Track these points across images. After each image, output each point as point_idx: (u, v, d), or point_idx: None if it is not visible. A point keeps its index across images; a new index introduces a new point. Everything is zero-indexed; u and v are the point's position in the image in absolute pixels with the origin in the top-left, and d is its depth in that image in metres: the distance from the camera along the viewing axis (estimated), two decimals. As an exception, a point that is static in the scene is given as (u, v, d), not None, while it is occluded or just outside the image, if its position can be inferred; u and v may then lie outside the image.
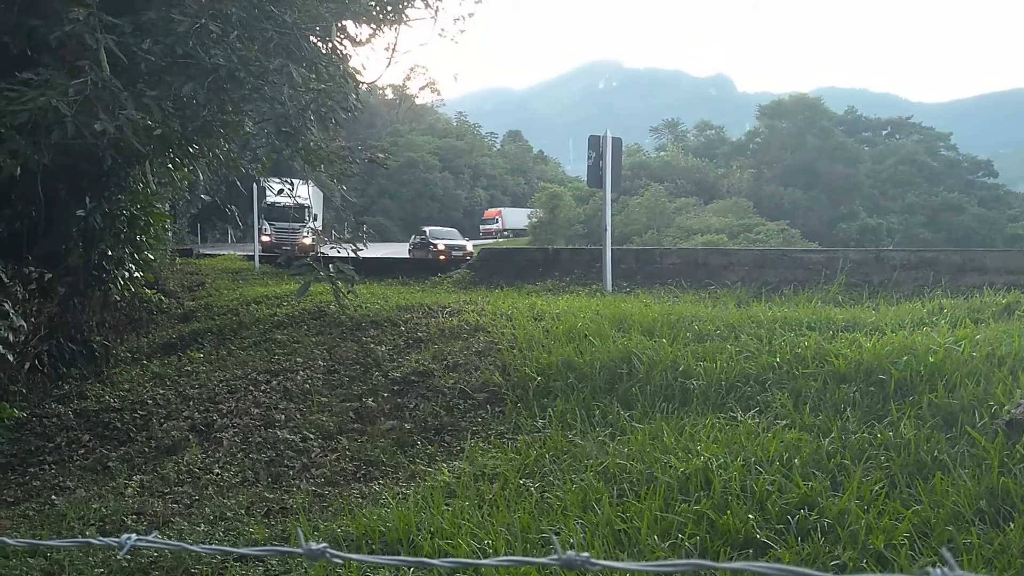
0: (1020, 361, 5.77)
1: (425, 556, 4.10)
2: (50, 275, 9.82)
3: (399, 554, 4.20)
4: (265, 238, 31.05)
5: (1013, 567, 3.45)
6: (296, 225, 32.60)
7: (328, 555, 1.07)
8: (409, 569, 4.01)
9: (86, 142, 7.32)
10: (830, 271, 11.06)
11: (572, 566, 0.95)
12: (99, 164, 8.56)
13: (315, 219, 32.61)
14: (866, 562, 3.61)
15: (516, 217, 75.40)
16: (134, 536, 1.17)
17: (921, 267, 10.63)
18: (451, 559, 1.10)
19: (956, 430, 4.85)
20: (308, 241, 28.82)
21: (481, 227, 71.64)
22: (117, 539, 1.18)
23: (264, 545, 4.86)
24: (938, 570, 0.90)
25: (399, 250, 32.78)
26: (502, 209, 76.57)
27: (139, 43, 7.49)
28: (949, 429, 4.91)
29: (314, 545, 1.06)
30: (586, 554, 0.94)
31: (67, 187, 10.09)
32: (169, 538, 5.22)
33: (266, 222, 32.09)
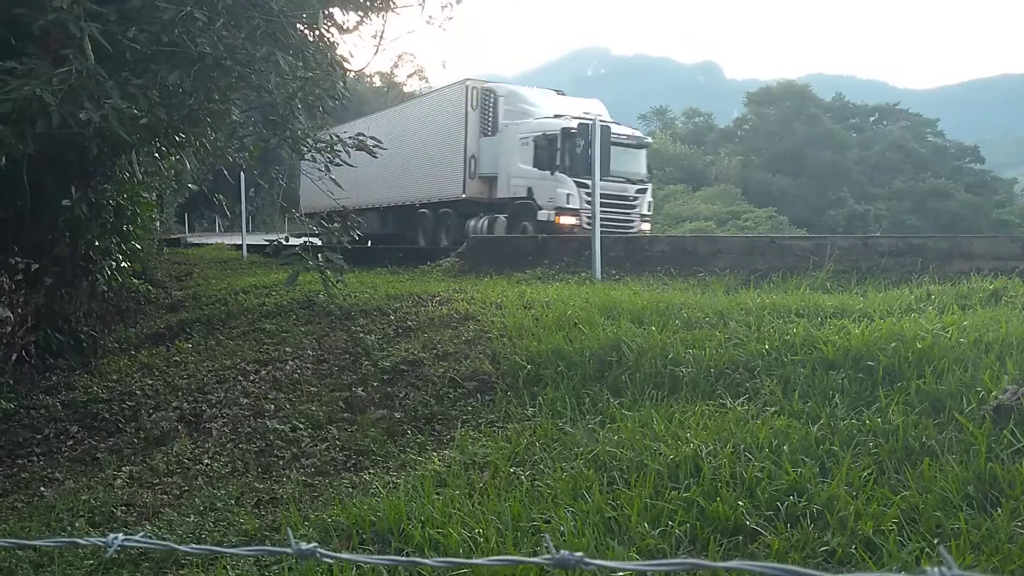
0: (1007, 347, 5.79)
1: (416, 545, 4.10)
2: (37, 265, 9.76)
3: (390, 544, 4.20)
4: (568, 220, 18.71)
5: (1000, 552, 3.47)
6: (633, 191, 19.87)
7: (318, 555, 1.07)
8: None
9: (71, 131, 7.25)
10: (818, 258, 11.07)
11: (566, 566, 0.94)
12: (85, 154, 8.51)
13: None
14: (855, 548, 3.63)
15: None
16: (121, 536, 1.17)
17: (909, 253, 10.64)
18: (443, 559, 1.09)
19: (944, 416, 4.87)
20: (647, 226, 20.06)
21: None
22: (104, 539, 1.17)
23: (254, 535, 4.86)
24: (936, 570, 0.89)
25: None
26: None
27: (124, 31, 7.42)
28: (937, 415, 4.92)
29: (304, 545, 1.06)
30: (580, 553, 0.94)
31: (53, 177, 10.02)
32: (159, 529, 5.22)
33: (569, 181, 18.96)
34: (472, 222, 21.86)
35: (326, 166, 10.07)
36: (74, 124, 7.05)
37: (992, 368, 5.38)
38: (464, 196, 22.29)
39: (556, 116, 20.41)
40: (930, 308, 7.54)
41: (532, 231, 19.47)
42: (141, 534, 1.23)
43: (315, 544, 1.07)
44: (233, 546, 4.71)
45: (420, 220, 25.09)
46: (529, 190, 20.31)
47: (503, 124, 21.52)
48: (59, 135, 7.40)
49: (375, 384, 7.95)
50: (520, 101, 21.71)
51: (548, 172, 19.78)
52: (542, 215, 19.66)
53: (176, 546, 1.19)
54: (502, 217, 21.02)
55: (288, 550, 1.08)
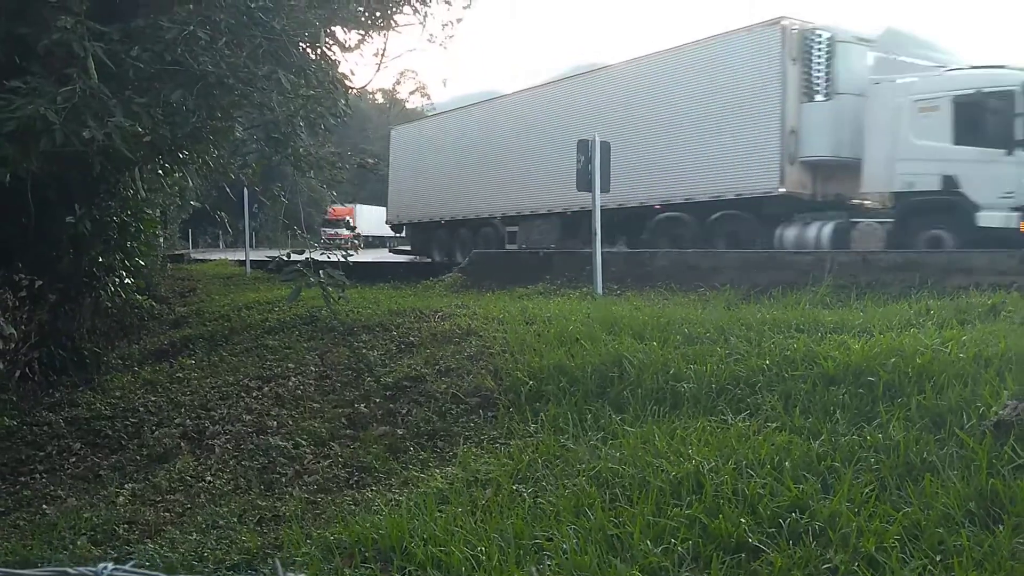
0: (1007, 362, 5.80)
1: (418, 563, 4.10)
2: (40, 282, 9.79)
3: (392, 561, 4.20)
4: None
5: (1003, 569, 3.47)
6: None
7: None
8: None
9: (75, 149, 7.30)
10: (818, 273, 11.10)
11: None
12: (88, 171, 8.56)
13: None
14: (858, 565, 3.63)
15: (382, 218, 53.76)
16: (111, 565, 1.19)
17: (908, 268, 10.67)
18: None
19: (944, 432, 4.88)
20: None
21: (324, 231, 45.65)
22: (94, 568, 1.20)
23: (256, 553, 4.86)
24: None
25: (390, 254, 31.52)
26: (356, 206, 53.88)
27: (127, 50, 7.49)
28: (937, 431, 4.93)
29: (291, 575, 1.07)
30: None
31: (57, 194, 10.07)
32: (161, 547, 5.23)
33: None
34: (791, 230, 15.83)
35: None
36: (77, 142, 7.09)
37: (992, 383, 5.40)
38: (782, 190, 15.78)
39: (978, 67, 14.51)
40: (929, 323, 7.57)
41: (954, 244, 13.35)
42: (131, 563, 1.25)
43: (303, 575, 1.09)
44: (229, 567, 4.72)
45: (664, 228, 18.42)
46: (947, 180, 13.69)
47: (873, 80, 15.09)
48: (63, 153, 7.45)
49: (377, 400, 7.95)
50: (907, 45, 15.47)
51: (1002, 151, 13.16)
52: (990, 218, 13.16)
53: (163, 576, 1.22)
54: (872, 222, 15.05)
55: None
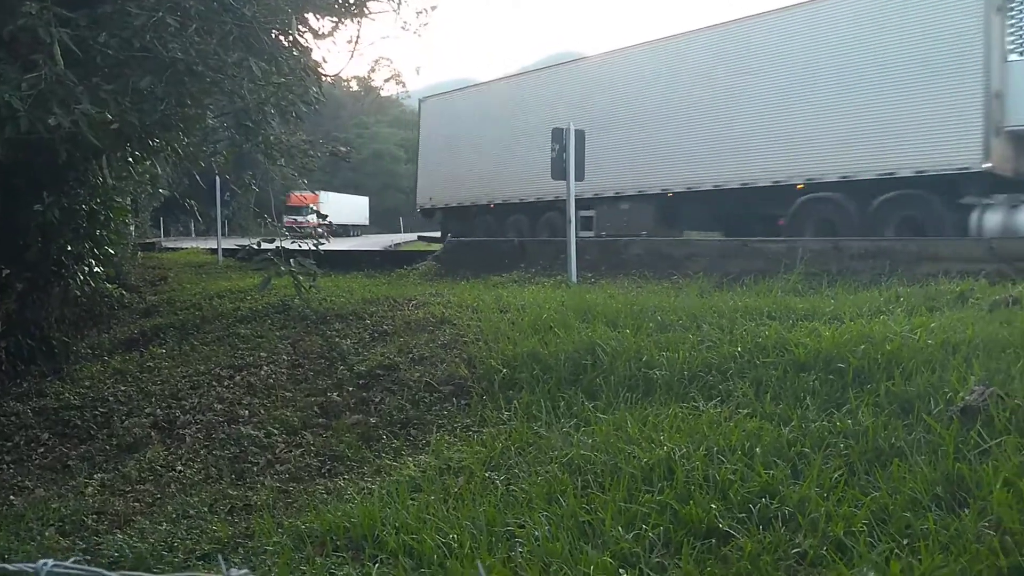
0: (974, 348, 5.88)
1: (390, 551, 4.10)
2: (8, 271, 9.66)
3: (364, 550, 4.20)
4: None
5: (968, 552, 3.51)
6: None
7: (250, 581, 1.07)
8: (374, 565, 4.03)
9: (41, 137, 7.19)
10: (790, 261, 11.18)
11: None
12: (55, 158, 8.44)
13: None
14: (826, 549, 3.66)
15: (347, 206, 55.84)
16: (51, 561, 1.18)
17: (878, 256, 10.78)
18: None
19: (912, 417, 4.93)
20: None
21: (287, 219, 38.06)
22: (33, 564, 1.19)
23: (227, 543, 4.83)
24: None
25: (363, 242, 31.05)
26: (322, 193, 45.42)
27: (95, 36, 7.37)
28: (906, 416, 4.98)
29: (235, 571, 1.06)
30: None
31: (24, 181, 9.91)
32: (131, 537, 5.19)
33: None
34: (993, 216, 13.32)
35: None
36: (43, 129, 6.98)
37: (959, 369, 5.46)
38: (987, 166, 13.20)
39: None
40: (899, 310, 7.65)
41: None
42: (72, 559, 1.24)
43: (247, 570, 1.08)
44: (199, 557, 4.70)
45: (810, 212, 15.91)
46: None
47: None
48: (29, 140, 7.33)
49: (350, 389, 7.92)
50: None
51: None
52: None
53: (105, 572, 1.19)
54: None
55: (220, 576, 1.09)
